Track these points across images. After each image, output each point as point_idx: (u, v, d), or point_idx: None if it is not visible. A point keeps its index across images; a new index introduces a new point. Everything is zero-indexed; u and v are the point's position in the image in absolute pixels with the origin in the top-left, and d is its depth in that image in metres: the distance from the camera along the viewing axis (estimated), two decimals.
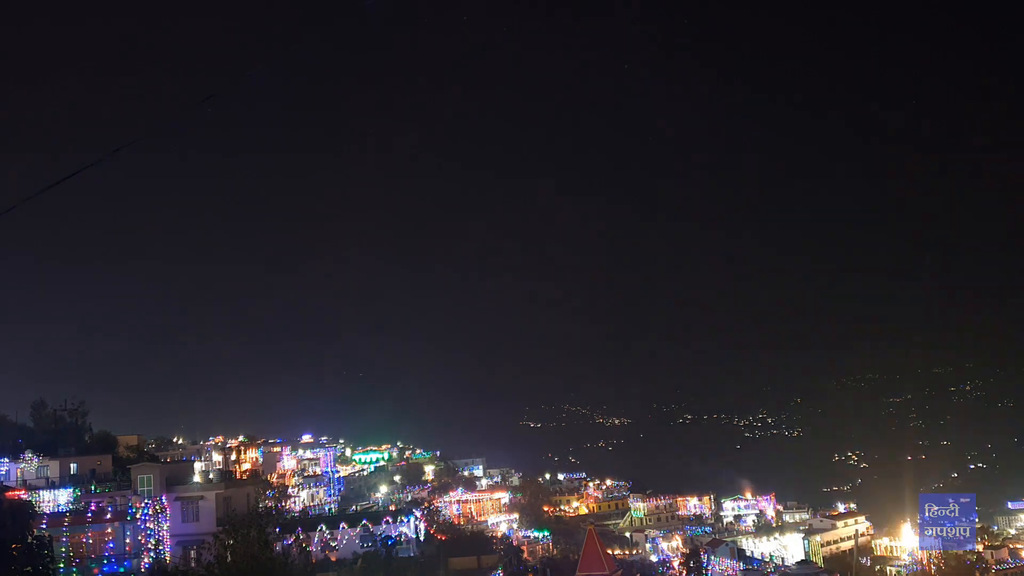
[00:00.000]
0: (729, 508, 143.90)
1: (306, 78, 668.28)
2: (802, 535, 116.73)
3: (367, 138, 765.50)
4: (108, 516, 56.08)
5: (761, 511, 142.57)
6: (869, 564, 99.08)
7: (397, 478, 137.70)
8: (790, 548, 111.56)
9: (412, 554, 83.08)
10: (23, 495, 52.95)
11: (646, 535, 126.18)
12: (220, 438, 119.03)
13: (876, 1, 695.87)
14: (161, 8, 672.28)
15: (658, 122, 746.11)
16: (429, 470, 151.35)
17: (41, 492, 58.89)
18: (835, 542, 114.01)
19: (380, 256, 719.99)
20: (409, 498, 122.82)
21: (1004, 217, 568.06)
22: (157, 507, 58.78)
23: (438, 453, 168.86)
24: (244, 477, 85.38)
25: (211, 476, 70.43)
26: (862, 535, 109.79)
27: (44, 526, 50.59)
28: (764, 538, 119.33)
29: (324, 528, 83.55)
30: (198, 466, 79.65)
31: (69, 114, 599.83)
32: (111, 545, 55.35)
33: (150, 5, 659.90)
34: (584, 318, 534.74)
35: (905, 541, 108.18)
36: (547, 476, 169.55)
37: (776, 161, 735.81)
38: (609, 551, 76.53)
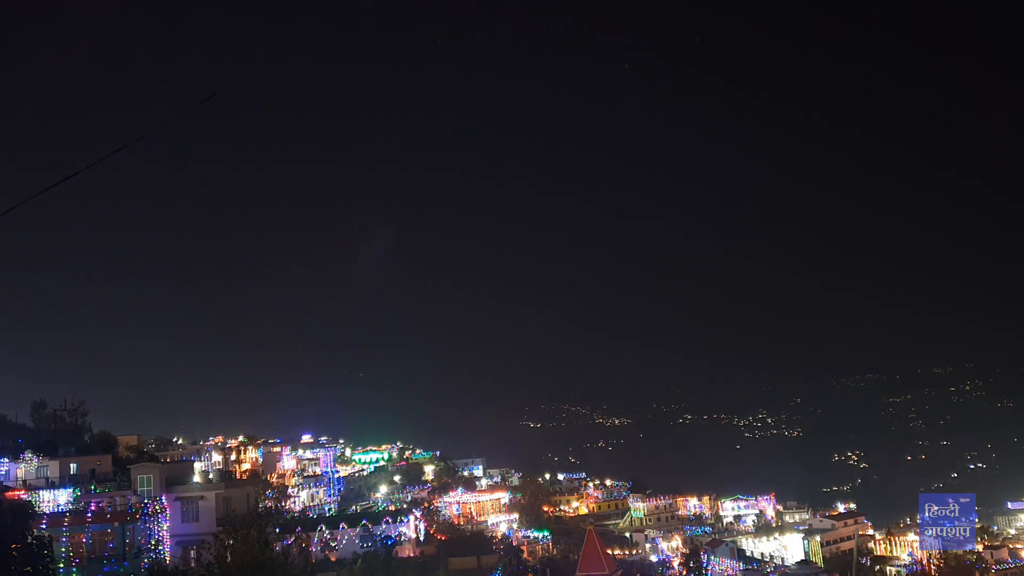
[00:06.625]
0: (729, 508, 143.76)
1: (318, 82, 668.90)
2: (802, 535, 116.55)
3: (372, 149, 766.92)
4: (108, 516, 55.98)
5: (761, 511, 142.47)
6: (869, 564, 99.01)
7: (397, 478, 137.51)
8: (790, 548, 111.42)
9: (412, 554, 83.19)
10: (23, 495, 52.86)
11: (646, 535, 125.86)
12: (220, 438, 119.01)
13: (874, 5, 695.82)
14: (158, 13, 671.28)
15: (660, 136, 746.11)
16: (429, 470, 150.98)
17: (41, 492, 58.69)
18: (835, 542, 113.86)
19: (382, 260, 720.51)
20: (409, 498, 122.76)
21: (1004, 217, 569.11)
22: (157, 507, 58.70)
23: (438, 453, 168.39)
24: (244, 477, 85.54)
25: (211, 476, 70.41)
26: (862, 535, 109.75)
27: (44, 526, 50.53)
28: (764, 538, 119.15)
29: (324, 528, 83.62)
30: (198, 466, 79.58)
31: (73, 115, 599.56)
32: (111, 545, 55.25)
33: (148, 9, 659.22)
34: (584, 320, 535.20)
35: (905, 541, 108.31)
36: (547, 476, 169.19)
37: (775, 162, 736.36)
38: (609, 551, 76.49)
